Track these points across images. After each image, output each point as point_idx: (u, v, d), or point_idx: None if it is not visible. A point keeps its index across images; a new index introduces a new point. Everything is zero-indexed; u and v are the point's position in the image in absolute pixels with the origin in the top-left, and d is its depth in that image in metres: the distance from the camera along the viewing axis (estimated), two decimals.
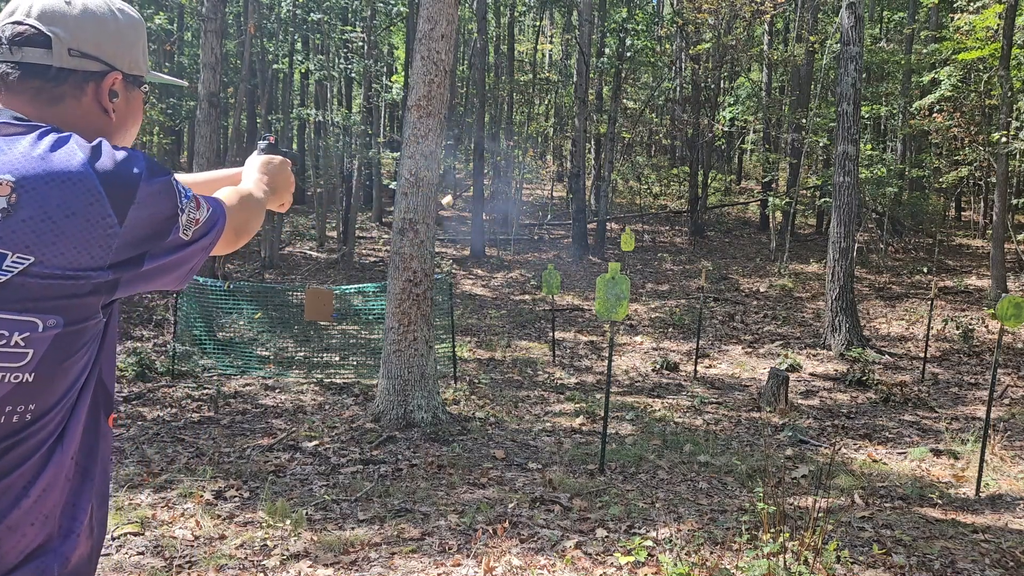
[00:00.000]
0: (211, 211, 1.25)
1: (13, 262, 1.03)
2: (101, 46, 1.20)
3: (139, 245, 1.12)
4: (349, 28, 19.96)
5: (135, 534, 4.11)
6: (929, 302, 11.03)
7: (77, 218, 1.05)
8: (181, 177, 1.46)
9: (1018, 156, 15.90)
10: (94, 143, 1.12)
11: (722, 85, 25.49)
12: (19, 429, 1.07)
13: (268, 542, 4.08)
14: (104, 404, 1.21)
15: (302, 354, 9.59)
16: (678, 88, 25.08)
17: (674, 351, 11.11)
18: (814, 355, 10.91)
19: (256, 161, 1.64)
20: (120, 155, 1.12)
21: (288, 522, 4.29)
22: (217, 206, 1.28)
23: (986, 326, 12.28)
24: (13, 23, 1.16)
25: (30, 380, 1.07)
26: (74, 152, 1.08)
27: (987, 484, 5.56)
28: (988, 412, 5.54)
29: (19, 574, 1.08)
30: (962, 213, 23.96)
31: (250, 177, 1.59)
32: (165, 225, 1.14)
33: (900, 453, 6.54)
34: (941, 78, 16.46)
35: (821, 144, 19.00)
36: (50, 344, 1.08)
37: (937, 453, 6.46)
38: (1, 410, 1.06)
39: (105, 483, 1.23)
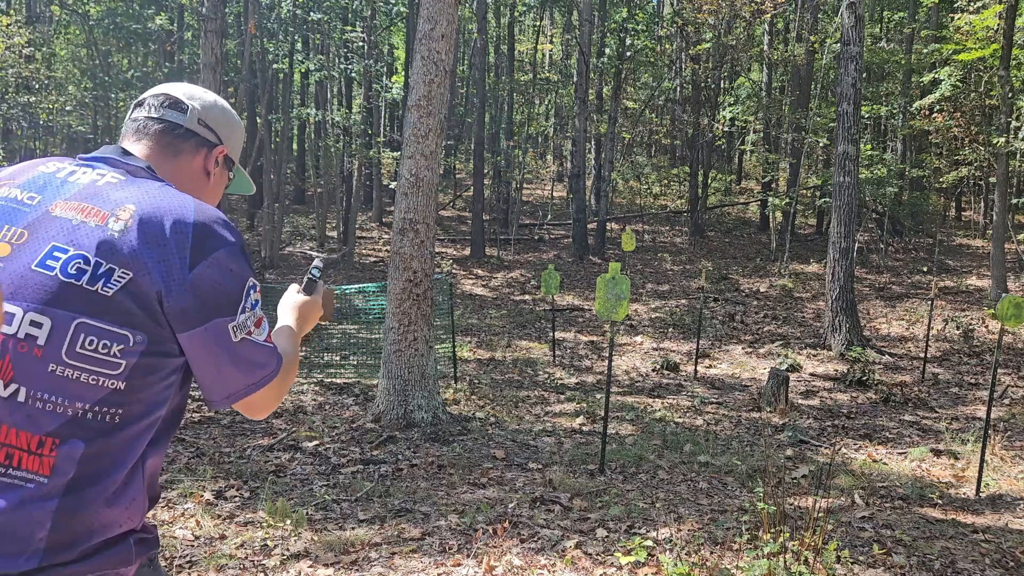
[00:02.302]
0: (270, 351, 1.39)
1: (118, 277, 1.23)
2: (220, 127, 1.53)
3: (198, 304, 1.26)
4: (349, 28, 19.95)
5: None
6: (929, 302, 11.03)
7: (164, 248, 1.25)
8: None
9: (1018, 156, 15.90)
10: (199, 202, 1.34)
11: (722, 85, 25.49)
12: (112, 429, 1.24)
13: (268, 542, 4.08)
14: (176, 423, 1.39)
15: (302, 354, 9.59)
16: (678, 88, 25.08)
17: (674, 351, 11.11)
18: (814, 355, 10.91)
19: (297, 305, 1.70)
20: (219, 218, 1.33)
21: (288, 522, 4.29)
22: (277, 356, 1.41)
23: (986, 326, 12.28)
24: (163, 95, 1.49)
25: (121, 387, 1.24)
26: (186, 200, 1.31)
27: (987, 484, 5.56)
28: (988, 412, 5.54)
29: (111, 551, 1.25)
30: (962, 213, 23.96)
31: (292, 327, 1.64)
32: (222, 305, 1.29)
33: (900, 453, 6.54)
34: (941, 78, 16.46)
35: (821, 144, 19.00)
36: (139, 358, 1.24)
37: (937, 453, 6.46)
38: (99, 411, 1.23)
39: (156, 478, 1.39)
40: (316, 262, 1.73)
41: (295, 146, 28.28)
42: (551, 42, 33.92)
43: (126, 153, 1.41)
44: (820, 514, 4.09)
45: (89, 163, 1.37)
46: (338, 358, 9.44)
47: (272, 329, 1.54)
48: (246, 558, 3.88)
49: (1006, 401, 8.57)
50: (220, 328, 1.28)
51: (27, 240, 1.25)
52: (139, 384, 1.25)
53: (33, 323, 1.21)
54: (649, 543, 4.02)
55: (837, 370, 9.98)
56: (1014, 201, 18.01)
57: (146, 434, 1.28)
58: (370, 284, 12.47)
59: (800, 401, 8.43)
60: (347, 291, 10.25)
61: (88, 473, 1.22)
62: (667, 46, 25.42)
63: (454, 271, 17.04)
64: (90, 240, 1.23)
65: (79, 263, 1.22)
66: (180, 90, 1.50)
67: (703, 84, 21.95)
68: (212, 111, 1.52)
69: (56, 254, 1.23)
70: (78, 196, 1.29)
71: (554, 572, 3.79)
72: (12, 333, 1.21)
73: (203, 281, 1.26)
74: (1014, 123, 15.30)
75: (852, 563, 3.93)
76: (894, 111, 20.81)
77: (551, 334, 11.18)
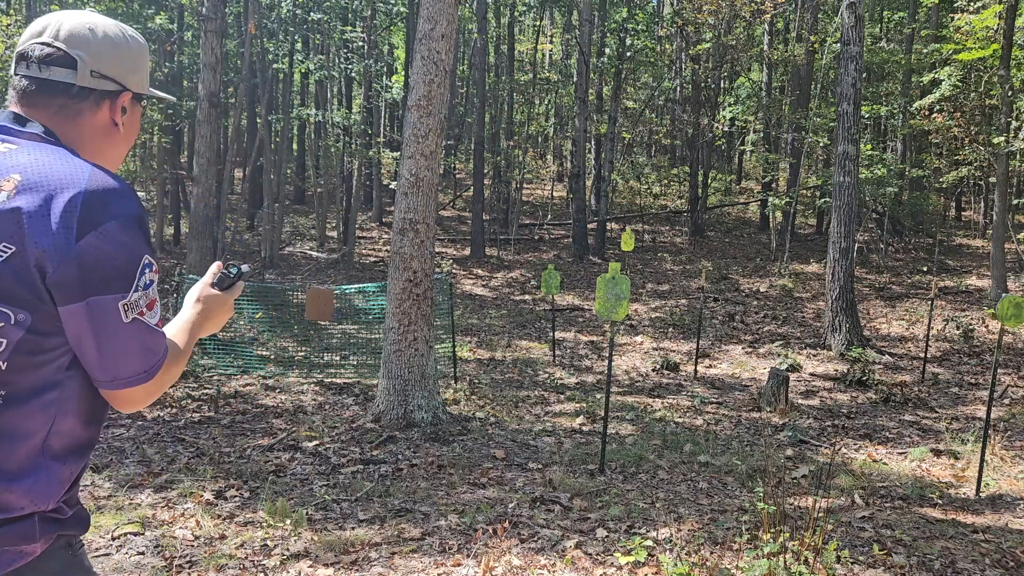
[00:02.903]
0: (158, 337, 1.28)
1: (0, 251, 1.14)
2: (117, 69, 1.35)
3: (81, 276, 1.16)
4: (349, 28, 19.95)
5: (135, 534, 4.11)
6: (929, 302, 11.03)
7: (49, 219, 1.15)
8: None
9: (1018, 156, 15.89)
10: (97, 169, 1.22)
11: (722, 85, 25.49)
12: None
13: (268, 542, 4.08)
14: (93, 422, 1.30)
15: (302, 354, 9.59)
16: (678, 88, 25.07)
17: (674, 351, 11.11)
18: (814, 355, 10.91)
19: (207, 296, 1.53)
20: (117, 188, 1.22)
21: (288, 522, 4.29)
22: (164, 347, 1.31)
23: (986, 326, 12.28)
24: (42, 44, 1.29)
25: (2, 367, 1.16)
26: (79, 167, 1.20)
27: (987, 484, 5.56)
28: (988, 412, 5.54)
29: (9, 528, 1.20)
30: (962, 213, 23.96)
31: (191, 319, 1.50)
32: (111, 280, 1.19)
33: (900, 453, 6.54)
34: (941, 78, 16.45)
35: (821, 144, 19.00)
36: (20, 339, 1.16)
37: (937, 453, 6.46)
38: None
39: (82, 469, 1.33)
40: (244, 266, 1.60)
41: (295, 146, 28.28)
42: (551, 42, 33.91)
43: (19, 119, 1.28)
44: (820, 514, 4.09)
45: None
46: (338, 358, 9.44)
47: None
48: (246, 558, 3.88)
49: (1006, 401, 8.57)
50: (108, 305, 1.19)
51: None
52: (23, 364, 1.17)
53: None
54: (649, 543, 4.02)
55: (837, 370, 9.98)
56: (1014, 201, 18.00)
57: (42, 415, 1.20)
58: (370, 284, 12.48)
59: (800, 401, 8.43)
60: (347, 291, 10.25)
61: None
62: (667, 46, 25.41)
63: (454, 271, 17.04)
64: None
65: None
66: (64, 31, 1.30)
67: (703, 84, 21.95)
68: (104, 55, 1.33)
69: None
70: None
71: (554, 572, 3.79)
72: None
73: (89, 252, 1.16)
74: (1014, 123, 15.29)
75: (852, 563, 3.93)
76: (894, 111, 20.81)
77: (551, 334, 11.18)
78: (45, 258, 1.15)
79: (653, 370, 9.95)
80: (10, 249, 1.14)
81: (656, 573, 3.74)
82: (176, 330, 1.45)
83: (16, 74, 1.30)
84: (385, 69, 23.31)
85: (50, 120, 1.29)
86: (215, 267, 1.56)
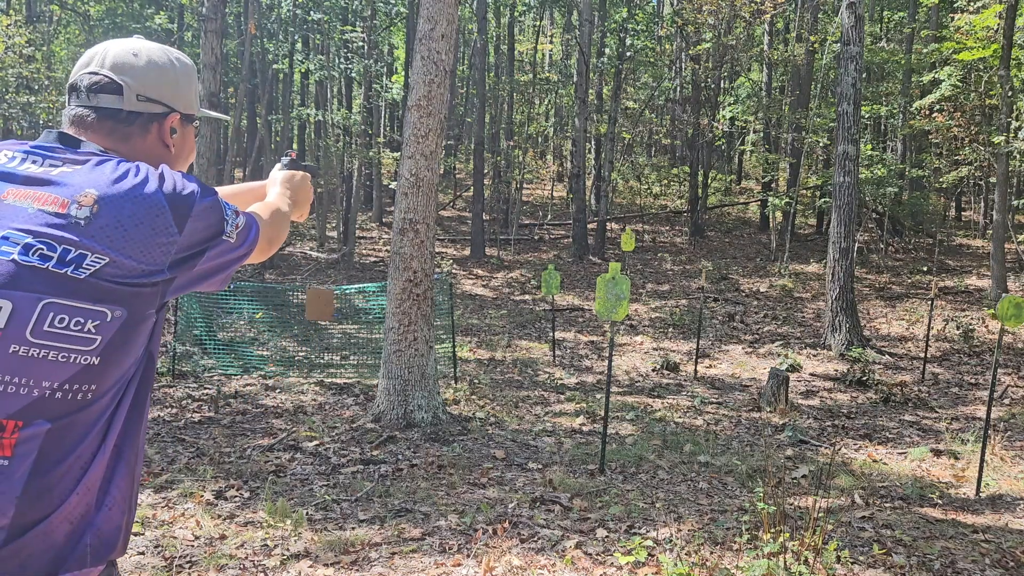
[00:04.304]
0: (247, 223, 1.47)
1: (92, 261, 1.24)
2: (163, 92, 1.45)
3: (193, 248, 1.33)
4: (349, 28, 19.95)
5: (135, 534, 4.11)
6: (929, 302, 11.03)
7: (144, 227, 1.27)
8: (219, 189, 1.65)
9: (1018, 156, 15.89)
10: (159, 170, 1.35)
11: (722, 85, 25.49)
12: (82, 406, 1.24)
13: (268, 542, 4.08)
14: (149, 385, 1.39)
15: (302, 354, 9.59)
16: (678, 88, 25.08)
17: (674, 351, 11.11)
18: (814, 355, 10.91)
19: (279, 176, 1.82)
20: (179, 178, 1.36)
21: (288, 522, 4.29)
22: (252, 220, 1.49)
23: (986, 326, 12.29)
24: (90, 73, 1.41)
25: (96, 363, 1.25)
26: (146, 176, 1.32)
27: (987, 484, 5.56)
28: (988, 412, 5.54)
29: (55, 537, 1.23)
30: (962, 213, 23.96)
31: (274, 191, 1.78)
32: (215, 232, 1.37)
33: (900, 453, 6.54)
34: (941, 78, 16.45)
35: (821, 144, 19.00)
36: (115, 332, 1.26)
37: (937, 453, 6.46)
38: (69, 389, 1.22)
39: (138, 463, 1.37)
40: (285, 155, 1.86)
41: (295, 146, 28.28)
42: (551, 42, 33.91)
43: (68, 139, 1.38)
44: (820, 514, 4.09)
45: (39, 151, 1.35)
46: (338, 358, 9.44)
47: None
48: (246, 558, 3.88)
49: (1006, 401, 8.57)
50: (219, 250, 1.38)
51: None
52: (114, 357, 1.26)
53: None
54: (649, 543, 4.02)
55: (837, 370, 9.98)
56: (1014, 201, 18.00)
57: (116, 415, 1.29)
58: (370, 284, 12.48)
59: (800, 401, 8.43)
60: (347, 291, 10.25)
61: (53, 455, 1.21)
62: (667, 46, 25.41)
63: (454, 271, 17.04)
64: (50, 227, 1.23)
65: (41, 249, 1.22)
66: (110, 60, 1.41)
67: (703, 84, 21.95)
68: (149, 78, 1.43)
69: (13, 240, 1.22)
70: (31, 183, 1.29)
71: (554, 572, 3.79)
72: None
73: (193, 233, 1.32)
74: (1014, 123, 15.29)
75: (852, 563, 3.93)
76: (894, 111, 20.81)
77: (551, 334, 11.18)
78: (153, 261, 1.28)
79: (653, 370, 9.95)
80: (104, 259, 1.24)
81: (656, 573, 3.74)
82: (263, 206, 1.65)
83: (68, 105, 1.41)
84: (385, 69, 23.31)
85: (104, 144, 1.39)
86: (285, 157, 1.85)
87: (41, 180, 1.29)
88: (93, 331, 1.23)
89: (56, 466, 1.21)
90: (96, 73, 1.40)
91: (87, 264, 1.23)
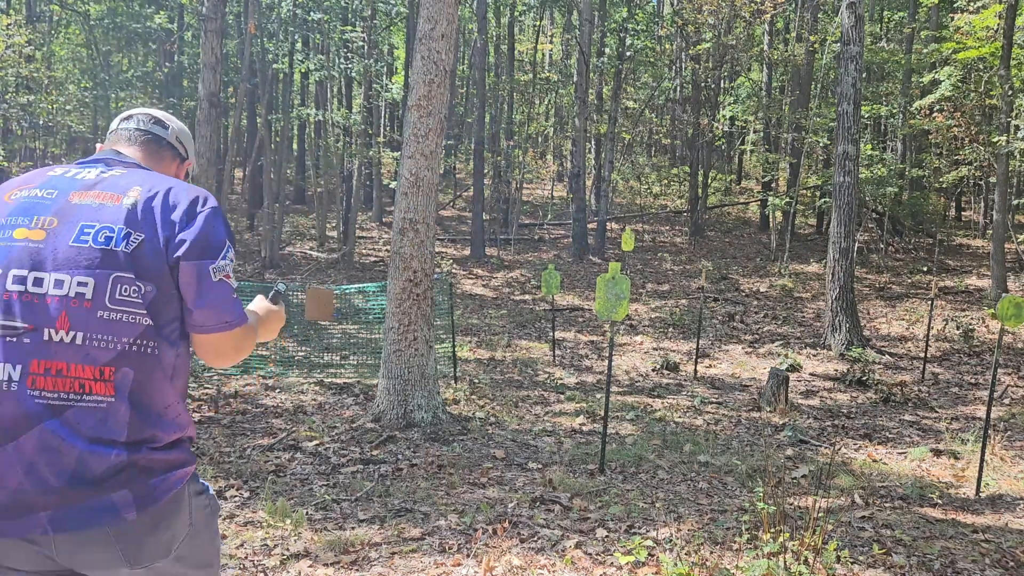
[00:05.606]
0: (238, 302, 1.76)
1: (134, 239, 1.63)
2: (185, 144, 2.05)
3: (190, 246, 1.67)
4: (349, 28, 19.94)
5: None
6: (929, 302, 11.03)
7: (168, 213, 1.68)
8: None
9: (1018, 156, 15.89)
10: (185, 183, 1.82)
11: (722, 85, 25.49)
12: (152, 358, 1.65)
13: (268, 542, 4.08)
14: (188, 347, 1.78)
15: (302, 354, 9.59)
16: (678, 88, 25.08)
17: (674, 351, 11.11)
18: (814, 355, 10.91)
19: (265, 306, 2.09)
20: (204, 192, 1.78)
21: (288, 522, 4.29)
22: (242, 311, 1.80)
23: (986, 326, 12.29)
24: (144, 113, 1.98)
25: (150, 324, 1.64)
26: (176, 180, 1.78)
27: (987, 484, 5.56)
28: (988, 412, 5.54)
29: (170, 453, 1.66)
30: (962, 213, 23.95)
31: (256, 317, 2.05)
32: (207, 250, 1.69)
33: (900, 453, 6.54)
34: (941, 78, 16.45)
35: (821, 144, 18.99)
36: (151, 303, 1.64)
37: (937, 453, 6.46)
38: (140, 344, 1.63)
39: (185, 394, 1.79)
40: (279, 284, 2.15)
41: (295, 146, 28.27)
42: (551, 42, 33.90)
43: (120, 154, 1.85)
44: (820, 514, 4.09)
45: (91, 164, 1.79)
46: (338, 358, 9.44)
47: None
48: (246, 558, 3.88)
49: (1006, 401, 8.57)
50: (204, 267, 1.68)
51: (58, 224, 1.63)
52: (160, 321, 1.64)
53: (80, 283, 1.59)
54: (649, 543, 4.02)
55: (837, 370, 9.98)
56: (1014, 201, 18.00)
57: (175, 368, 1.69)
58: (370, 284, 12.47)
59: (800, 401, 8.43)
60: (347, 291, 10.24)
61: (142, 391, 1.62)
62: (667, 46, 25.40)
63: (454, 271, 17.04)
64: (112, 215, 1.64)
65: (107, 232, 1.62)
66: (154, 112, 2.00)
67: (703, 84, 21.95)
68: (183, 133, 2.04)
69: (87, 230, 1.62)
70: (90, 186, 1.70)
71: (554, 572, 3.79)
72: (64, 294, 1.59)
73: (198, 231, 1.68)
74: (1014, 123, 15.29)
75: (852, 563, 3.93)
76: (894, 111, 20.81)
77: (551, 334, 11.18)
78: (169, 240, 1.65)
79: (653, 370, 9.95)
80: (141, 236, 1.63)
81: (656, 573, 3.74)
82: (248, 311, 1.95)
83: (123, 128, 1.93)
84: (385, 69, 23.31)
85: (140, 159, 1.89)
86: (282, 285, 2.21)
87: (97, 183, 1.71)
88: (140, 299, 1.62)
89: (145, 398, 1.62)
90: (153, 115, 1.98)
91: (132, 241, 1.63)
